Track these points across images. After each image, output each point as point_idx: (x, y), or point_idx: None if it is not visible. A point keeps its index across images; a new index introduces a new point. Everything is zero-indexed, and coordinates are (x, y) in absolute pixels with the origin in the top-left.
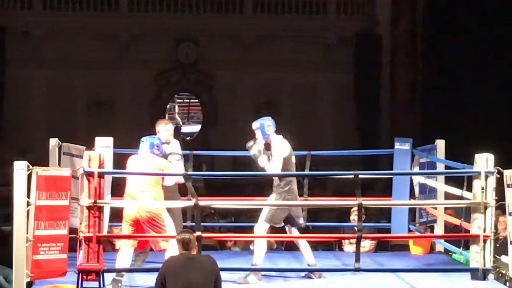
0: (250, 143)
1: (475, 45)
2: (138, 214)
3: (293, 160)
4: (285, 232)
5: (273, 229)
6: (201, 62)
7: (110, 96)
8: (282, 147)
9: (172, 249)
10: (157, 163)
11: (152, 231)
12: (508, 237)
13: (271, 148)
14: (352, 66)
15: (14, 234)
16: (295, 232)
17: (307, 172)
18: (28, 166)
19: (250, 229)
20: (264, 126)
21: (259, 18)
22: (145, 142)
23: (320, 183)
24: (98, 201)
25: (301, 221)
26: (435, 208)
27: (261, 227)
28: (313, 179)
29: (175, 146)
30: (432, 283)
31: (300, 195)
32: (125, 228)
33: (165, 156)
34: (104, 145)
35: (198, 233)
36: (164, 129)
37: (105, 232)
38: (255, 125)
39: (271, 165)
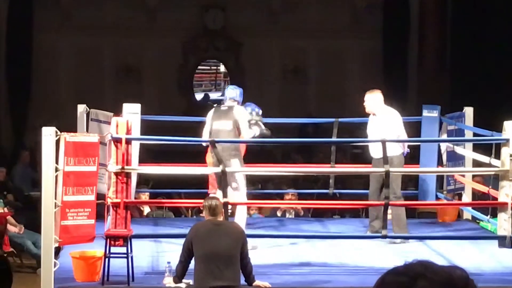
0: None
1: (506, 12)
2: None
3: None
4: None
5: (300, 197)
6: (228, 29)
7: (138, 62)
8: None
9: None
10: None
11: None
12: None
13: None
14: (380, 32)
15: (43, 199)
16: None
17: (334, 139)
18: (56, 132)
19: (277, 196)
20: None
21: None
22: None
23: (347, 150)
24: (125, 167)
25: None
26: (463, 176)
27: (243, 195)
28: (340, 146)
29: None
30: (459, 250)
31: (327, 162)
32: None
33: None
34: (132, 112)
35: (225, 200)
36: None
37: (132, 198)
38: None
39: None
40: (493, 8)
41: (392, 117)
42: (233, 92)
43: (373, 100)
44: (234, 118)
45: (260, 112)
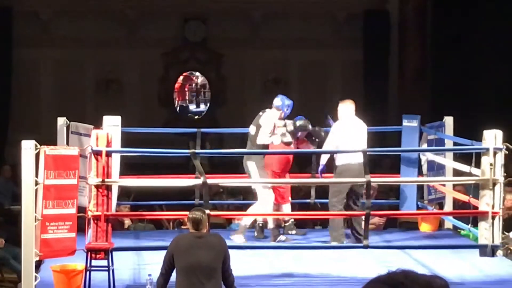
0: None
1: (485, 21)
2: None
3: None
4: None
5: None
6: (209, 41)
7: (118, 75)
8: None
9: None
10: None
11: None
12: None
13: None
14: (360, 43)
15: (23, 213)
16: None
17: (315, 149)
18: (36, 145)
19: None
20: None
21: None
22: None
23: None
24: (106, 179)
25: None
26: (444, 185)
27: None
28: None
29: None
30: (440, 259)
31: (309, 172)
32: None
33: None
34: (112, 124)
35: (206, 211)
36: None
37: (113, 210)
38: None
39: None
40: (473, 18)
41: (333, 127)
42: (278, 100)
43: (338, 110)
44: (258, 124)
45: (298, 122)
